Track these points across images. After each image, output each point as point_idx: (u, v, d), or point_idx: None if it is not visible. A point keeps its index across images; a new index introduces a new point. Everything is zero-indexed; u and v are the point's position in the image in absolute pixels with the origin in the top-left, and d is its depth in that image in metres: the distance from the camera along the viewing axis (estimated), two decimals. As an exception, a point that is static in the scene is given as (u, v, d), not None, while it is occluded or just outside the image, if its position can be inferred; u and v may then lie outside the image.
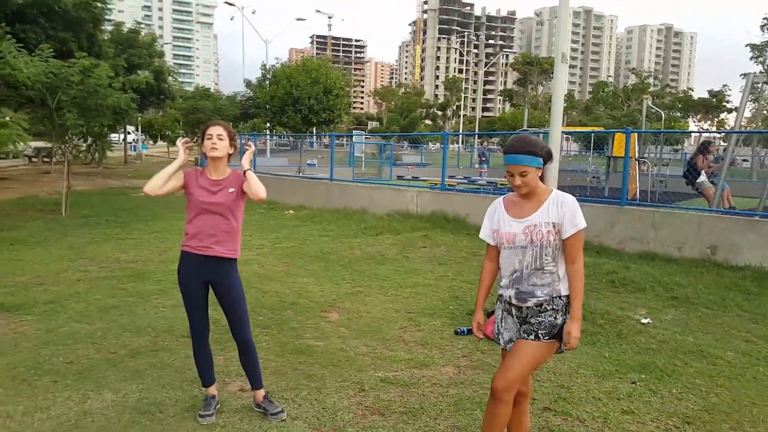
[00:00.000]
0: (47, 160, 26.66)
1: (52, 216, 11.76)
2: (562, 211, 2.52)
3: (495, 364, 4.34)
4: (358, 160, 23.30)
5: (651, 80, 69.82)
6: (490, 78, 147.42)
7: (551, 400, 3.76)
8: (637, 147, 16.41)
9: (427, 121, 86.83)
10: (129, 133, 34.18)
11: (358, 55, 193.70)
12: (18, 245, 8.46)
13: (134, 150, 35.70)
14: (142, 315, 5.31)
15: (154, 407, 3.50)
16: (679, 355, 4.57)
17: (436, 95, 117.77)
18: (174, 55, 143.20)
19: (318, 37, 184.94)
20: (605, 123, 43.50)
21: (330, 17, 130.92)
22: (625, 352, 4.61)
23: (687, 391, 3.94)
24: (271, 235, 9.67)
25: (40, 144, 24.89)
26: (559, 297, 2.55)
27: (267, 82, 27.90)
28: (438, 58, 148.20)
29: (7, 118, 10.54)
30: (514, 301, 2.62)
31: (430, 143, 51.29)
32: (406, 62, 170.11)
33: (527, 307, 2.58)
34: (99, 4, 17.78)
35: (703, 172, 10.13)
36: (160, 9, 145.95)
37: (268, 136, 29.36)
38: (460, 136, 59.51)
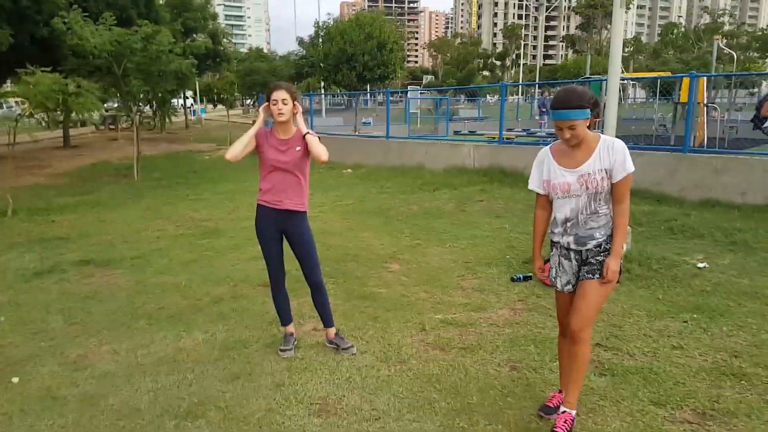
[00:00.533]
0: (113, 127, 27.91)
1: (125, 180, 12.56)
2: (613, 157, 2.62)
3: (549, 306, 4.54)
4: (413, 116, 23.22)
5: (726, 19, 65.16)
6: (552, 23, 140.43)
7: (603, 338, 3.95)
8: (705, 92, 15.70)
9: (485, 73, 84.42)
10: (188, 98, 35.26)
11: (411, 5, 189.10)
12: (99, 207, 9.18)
13: (194, 114, 36.91)
14: (219, 267, 5.77)
15: (240, 344, 3.93)
16: (733, 296, 4.63)
17: (495, 44, 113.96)
18: (225, 15, 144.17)
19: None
20: (674, 67, 41.26)
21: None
22: (678, 294, 4.71)
23: (738, 329, 4.04)
24: (331, 193, 10.04)
25: (106, 112, 26.07)
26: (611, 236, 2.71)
27: (320, 40, 27.83)
28: (496, 4, 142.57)
29: (80, 87, 11.18)
30: (573, 246, 2.75)
31: (488, 96, 50.07)
32: (462, 10, 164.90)
33: (587, 250, 2.73)
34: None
35: None
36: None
37: (322, 96, 29.63)
38: (519, 86, 57.71)
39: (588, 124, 2.61)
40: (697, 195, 7.68)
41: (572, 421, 2.79)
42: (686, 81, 15.17)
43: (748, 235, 6.11)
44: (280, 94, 3.48)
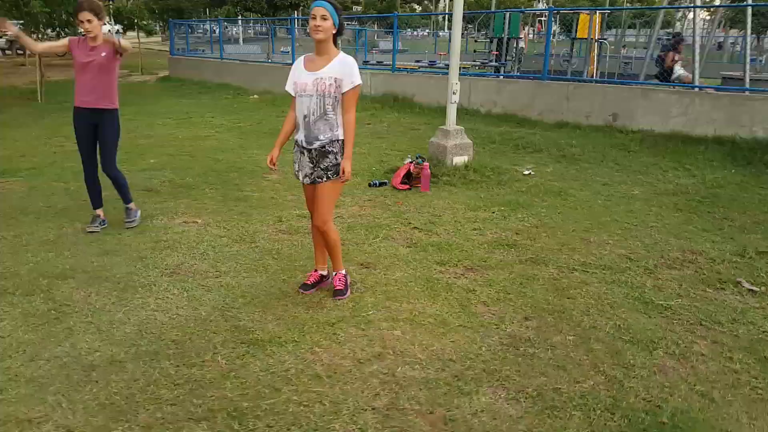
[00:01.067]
0: (21, 52, 26.51)
1: (30, 103, 12.47)
2: (344, 70, 3.19)
3: (390, 204, 5.46)
4: (333, 47, 23.21)
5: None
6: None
7: (422, 223, 4.89)
8: (598, 28, 16.80)
9: (416, 6, 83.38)
10: (104, 23, 33.41)
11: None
12: (1, 127, 9.29)
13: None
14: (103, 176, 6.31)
15: (114, 231, 4.63)
16: (541, 194, 5.69)
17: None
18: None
19: None
20: (582, 4, 42.44)
21: None
22: (498, 194, 5.73)
23: (530, 216, 5.09)
24: (232, 117, 10.52)
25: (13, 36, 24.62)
26: (338, 141, 3.26)
27: None
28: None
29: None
30: (305, 144, 3.31)
31: (408, 29, 50.07)
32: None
33: (314, 149, 3.27)
34: None
35: (677, 65, 9.65)
36: None
37: (240, 22, 29.03)
38: (438, 20, 57.58)
39: (334, 33, 3.19)
40: (551, 118, 8.76)
41: (345, 276, 3.56)
42: (584, 17, 16.27)
43: (577, 149, 7.22)
44: (84, 15, 4.14)
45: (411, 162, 6.17)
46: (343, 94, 3.20)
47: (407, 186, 6.03)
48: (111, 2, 23.82)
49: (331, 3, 3.16)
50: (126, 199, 4.74)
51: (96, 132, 4.48)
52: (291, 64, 13.20)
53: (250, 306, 3.38)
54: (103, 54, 4.27)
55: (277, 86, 13.69)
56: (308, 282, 3.66)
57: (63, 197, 5.52)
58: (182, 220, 4.95)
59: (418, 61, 17.77)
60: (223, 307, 3.36)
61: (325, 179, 3.30)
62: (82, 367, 2.74)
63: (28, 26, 13.25)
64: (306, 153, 3.32)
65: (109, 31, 37.85)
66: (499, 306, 3.43)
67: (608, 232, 4.71)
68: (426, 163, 6.05)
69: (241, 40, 26.28)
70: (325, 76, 3.18)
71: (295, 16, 22.98)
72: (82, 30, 4.20)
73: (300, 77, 3.27)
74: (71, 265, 3.92)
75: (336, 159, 3.27)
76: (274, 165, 3.53)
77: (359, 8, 75.70)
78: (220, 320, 3.21)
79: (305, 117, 3.25)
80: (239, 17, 29.66)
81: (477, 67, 15.78)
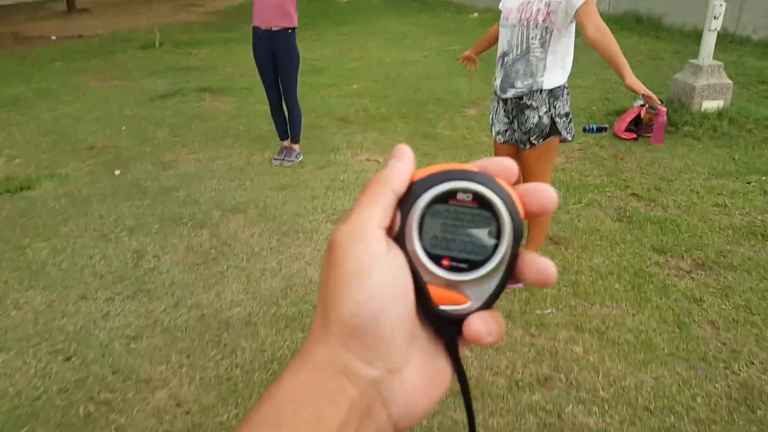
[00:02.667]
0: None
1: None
2: None
3: (605, 156, 4.45)
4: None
5: None
6: None
7: (644, 189, 3.86)
8: None
9: None
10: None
11: None
12: (231, 43, 9.95)
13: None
14: (310, 100, 6.21)
15: (299, 164, 4.46)
16: (827, 164, 4.13)
17: None
18: None
19: None
20: None
21: None
22: (760, 157, 4.30)
23: (806, 196, 3.69)
24: (445, 38, 9.82)
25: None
26: (540, 91, 2.46)
27: None
28: None
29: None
30: (498, 92, 2.60)
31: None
32: None
33: (510, 100, 2.55)
34: None
35: None
36: None
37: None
38: None
39: None
40: None
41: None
42: None
43: None
44: None
45: (643, 105, 4.94)
46: (575, 16, 2.35)
47: (634, 135, 4.87)
48: None
49: None
50: (294, 137, 4.48)
51: (274, 59, 4.20)
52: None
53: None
54: None
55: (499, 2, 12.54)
56: None
57: (263, 122, 5.53)
58: (365, 157, 4.61)
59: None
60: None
61: (527, 145, 2.56)
62: (218, 323, 2.57)
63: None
64: (501, 104, 2.65)
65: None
66: (734, 333, 2.46)
67: None
68: (663, 108, 4.79)
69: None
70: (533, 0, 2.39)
71: None
72: None
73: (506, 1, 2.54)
74: (246, 198, 3.84)
75: (538, 118, 2.49)
76: (466, 60, 3.16)
77: None
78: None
79: (504, 54, 2.55)
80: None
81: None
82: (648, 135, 4.80)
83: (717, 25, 4.96)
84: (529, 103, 2.49)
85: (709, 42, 5.06)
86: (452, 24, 11.27)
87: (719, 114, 5.00)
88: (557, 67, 2.45)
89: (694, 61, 5.21)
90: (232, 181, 4.14)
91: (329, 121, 5.51)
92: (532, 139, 2.53)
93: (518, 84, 2.49)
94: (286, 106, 4.37)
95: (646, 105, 4.89)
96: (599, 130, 5.05)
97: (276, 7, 3.99)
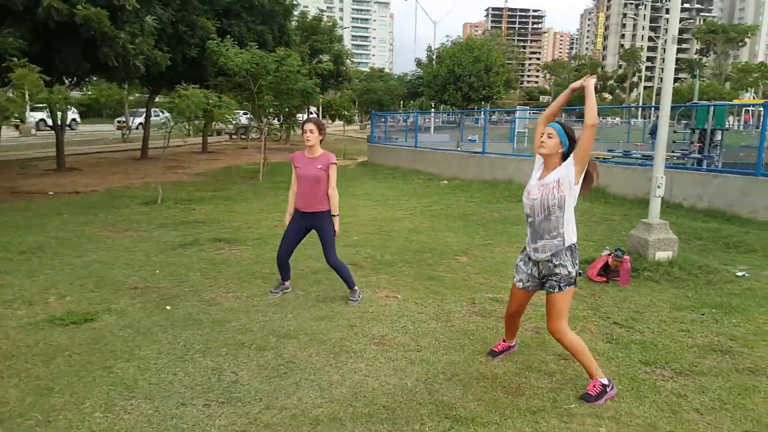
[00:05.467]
0: (244, 137, 31.21)
1: (252, 181, 14.52)
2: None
3: (585, 296, 5.34)
4: (520, 135, 23.77)
5: None
6: (684, 45, 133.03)
7: (623, 319, 4.71)
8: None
9: (606, 95, 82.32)
10: (312, 113, 38.29)
11: (535, 26, 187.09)
12: (229, 201, 10.97)
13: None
14: (319, 250, 7.08)
15: (328, 299, 5.19)
16: (757, 298, 5.15)
17: (620, 66, 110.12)
18: (353, 36, 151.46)
19: (493, 9, 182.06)
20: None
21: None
22: (707, 295, 5.30)
23: (746, 322, 4.63)
24: (424, 200, 11.17)
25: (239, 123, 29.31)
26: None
27: (433, 63, 29.66)
28: (623, 25, 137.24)
29: (222, 100, 13.28)
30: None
31: (606, 117, 48.89)
32: (588, 32, 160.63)
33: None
34: (288, -1, 20.68)
35: None
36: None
37: (432, 114, 31.15)
38: (630, 109, 55.60)
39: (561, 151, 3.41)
40: (767, 216, 7.90)
41: (601, 386, 3.39)
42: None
43: (803, 252, 6.41)
44: (309, 126, 4.96)
45: (609, 254, 6.00)
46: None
47: (605, 279, 5.85)
48: (322, 95, 27.18)
49: (561, 125, 3.43)
50: (349, 284, 5.21)
51: (306, 231, 5.20)
52: (481, 153, 13.95)
53: (451, 383, 3.54)
54: (319, 167, 4.98)
55: (463, 172, 14.29)
56: (495, 349, 3.98)
57: (284, 265, 6.31)
58: (384, 294, 5.36)
59: (610, 151, 17.30)
60: (426, 381, 3.56)
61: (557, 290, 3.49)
62: (309, 420, 3.10)
63: (258, 116, 15.65)
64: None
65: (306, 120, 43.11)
66: (714, 415, 3.17)
67: None
68: (626, 257, 5.85)
69: (432, 129, 28.05)
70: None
71: (487, 108, 24.06)
72: (305, 138, 4.98)
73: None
74: (294, 327, 4.46)
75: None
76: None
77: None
78: (424, 393, 3.40)
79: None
80: (432, 109, 31.96)
81: (676, 159, 14.91)
82: (616, 279, 5.80)
83: (660, 192, 6.24)
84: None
85: (655, 206, 6.30)
86: (426, 189, 12.76)
87: (670, 262, 6.09)
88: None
89: (645, 220, 6.40)
90: (276, 314, 4.78)
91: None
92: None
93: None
94: (331, 264, 5.16)
95: (612, 254, 5.96)
96: (578, 275, 6.01)
97: (313, 197, 5.07)
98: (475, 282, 5.80)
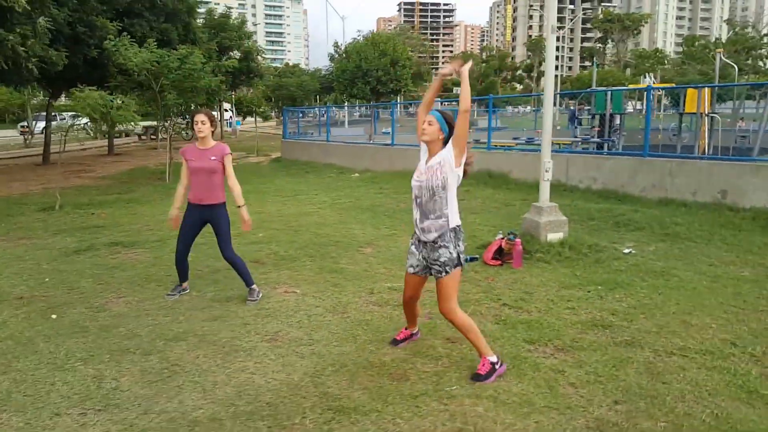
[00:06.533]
0: (154, 137, 29.97)
1: (158, 182, 13.96)
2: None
3: (479, 279, 5.52)
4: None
5: (749, 30, 64.80)
6: (589, 35, 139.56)
7: (512, 300, 4.89)
8: (707, 103, 16.23)
9: (517, 84, 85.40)
10: (226, 110, 37.28)
11: (446, 19, 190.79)
12: (132, 203, 10.51)
13: (230, 126, 39.03)
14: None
15: (224, 299, 5.06)
16: (641, 274, 5.50)
17: (528, 56, 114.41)
18: (266, 32, 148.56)
19: (406, 4, 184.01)
20: (692, 78, 41.33)
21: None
22: (594, 272, 5.60)
23: (628, 296, 4.93)
24: (333, 193, 11.15)
25: (148, 123, 28.09)
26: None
27: (340, 57, 29.76)
28: (530, 17, 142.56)
29: (120, 101, 12.68)
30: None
31: (508, 107, 50.75)
32: (498, 24, 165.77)
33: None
34: (192, -5, 20.00)
35: None
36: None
37: (346, 108, 31.17)
38: (540, 98, 58.03)
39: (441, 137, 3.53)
40: (655, 195, 8.49)
41: (491, 364, 3.51)
42: (691, 92, 15.84)
43: (682, 228, 6.93)
44: (200, 117, 4.86)
45: (502, 238, 6.23)
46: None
47: (499, 262, 6.07)
48: (233, 92, 26.54)
49: (440, 112, 3.57)
50: (247, 282, 5.08)
51: (202, 225, 5.04)
52: (390, 145, 14.06)
53: (338, 374, 3.55)
54: (213, 158, 4.86)
55: (375, 165, 14.39)
56: (398, 338, 4.01)
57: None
58: (283, 290, 5.30)
59: (515, 138, 17.98)
60: (314, 374, 3.55)
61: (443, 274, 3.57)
62: (188, 422, 3.01)
63: (163, 116, 15.05)
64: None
65: (231, 117, 41.98)
66: (588, 388, 3.35)
67: (712, 316, 4.45)
68: (518, 239, 6.09)
69: (346, 123, 28.07)
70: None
71: (397, 101, 24.41)
72: (196, 129, 4.86)
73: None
74: (184, 329, 4.32)
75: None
76: None
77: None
78: (310, 386, 3.39)
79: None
80: (345, 103, 31.96)
81: (579, 144, 15.71)
82: (510, 261, 6.03)
83: (548, 176, 6.53)
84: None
85: (545, 189, 6.59)
86: (338, 182, 12.75)
87: (561, 243, 6.39)
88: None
89: (536, 204, 6.68)
90: (167, 317, 4.61)
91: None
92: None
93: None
94: (228, 259, 5.02)
95: (505, 237, 6.19)
96: (472, 260, 6.18)
97: (207, 188, 4.91)
98: (376, 272, 5.85)
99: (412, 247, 3.74)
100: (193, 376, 3.55)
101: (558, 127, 25.64)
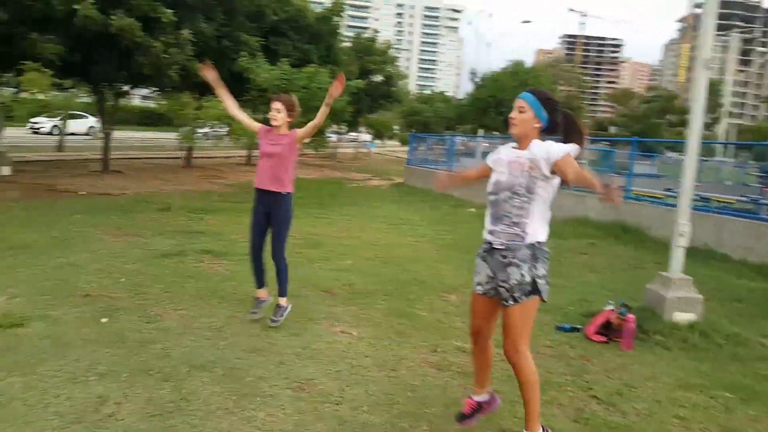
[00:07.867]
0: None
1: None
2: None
3: (573, 357, 4.57)
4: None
5: None
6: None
7: (606, 393, 3.88)
8: None
9: (684, 129, 78.70)
10: (362, 131, 38.23)
11: (612, 55, 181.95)
12: (243, 214, 10.60)
13: (366, 147, 39.95)
14: (300, 271, 6.53)
15: (275, 329, 4.63)
16: (790, 385, 4.20)
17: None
18: (420, 59, 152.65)
19: (569, 36, 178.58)
20: None
21: (584, 15, 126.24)
22: (728, 373, 4.37)
23: (766, 415, 3.73)
24: (439, 227, 10.51)
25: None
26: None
27: (476, 85, 29.16)
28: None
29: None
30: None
31: (670, 153, 46.38)
32: (672, 64, 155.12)
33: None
34: (336, 19, 20.65)
35: None
36: (411, 16, 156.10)
37: (480, 138, 30.44)
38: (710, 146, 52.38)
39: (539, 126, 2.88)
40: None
41: None
42: None
43: None
44: (275, 105, 4.57)
45: (612, 309, 5.18)
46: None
47: (604, 338, 5.01)
48: (370, 115, 27.06)
49: (534, 93, 2.91)
50: (281, 291, 4.77)
51: (268, 216, 4.68)
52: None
53: (351, 452, 2.92)
54: (283, 144, 4.58)
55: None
56: (465, 411, 3.22)
57: (252, 285, 5.82)
58: (340, 329, 4.77)
59: (668, 190, 16.02)
60: (324, 446, 2.96)
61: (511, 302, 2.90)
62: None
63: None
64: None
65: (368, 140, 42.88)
66: None
67: None
68: (631, 316, 5.01)
69: (479, 153, 27.32)
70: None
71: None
72: (270, 116, 4.61)
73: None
74: (216, 357, 3.95)
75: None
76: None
77: (615, 129, 73.56)
78: (310, 462, 2.80)
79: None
80: (476, 133, 31.34)
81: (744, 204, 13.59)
82: (619, 339, 4.96)
83: (684, 242, 5.37)
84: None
85: (677, 257, 5.43)
86: (449, 216, 12.10)
87: (690, 326, 5.16)
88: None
89: (664, 273, 5.53)
90: (208, 339, 4.29)
91: (313, 292, 5.77)
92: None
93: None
94: (275, 261, 4.72)
95: (615, 309, 5.14)
96: (573, 329, 5.22)
97: (271, 175, 4.61)
98: (451, 325, 5.12)
99: (478, 259, 3.08)
100: (193, 419, 3.12)
101: (728, 182, 22.79)
